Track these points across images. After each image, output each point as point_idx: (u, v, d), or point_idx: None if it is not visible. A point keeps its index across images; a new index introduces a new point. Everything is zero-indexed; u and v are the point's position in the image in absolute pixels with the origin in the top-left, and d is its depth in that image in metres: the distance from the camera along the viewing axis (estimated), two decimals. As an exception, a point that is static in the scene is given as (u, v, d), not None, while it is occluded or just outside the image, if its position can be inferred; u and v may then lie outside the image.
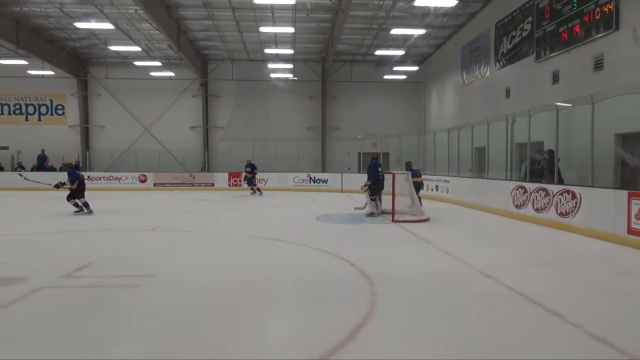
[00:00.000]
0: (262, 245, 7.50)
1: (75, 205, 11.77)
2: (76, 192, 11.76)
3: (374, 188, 11.30)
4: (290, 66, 23.21)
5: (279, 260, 6.41)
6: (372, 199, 11.29)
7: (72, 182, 11.61)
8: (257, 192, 18.21)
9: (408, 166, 12.99)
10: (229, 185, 21.15)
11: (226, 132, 23.83)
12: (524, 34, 13.64)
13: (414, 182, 11.36)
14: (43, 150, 22.68)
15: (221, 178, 21.58)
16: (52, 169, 22.31)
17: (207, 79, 23.52)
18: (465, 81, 18.34)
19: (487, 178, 12.90)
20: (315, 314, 4.11)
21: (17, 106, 23.49)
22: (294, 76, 23.74)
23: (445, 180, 15.15)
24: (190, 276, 5.46)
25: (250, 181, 18.28)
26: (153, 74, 22.89)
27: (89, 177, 21.33)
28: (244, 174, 19.02)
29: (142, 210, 13.09)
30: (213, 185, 21.50)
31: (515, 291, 4.72)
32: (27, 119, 23.57)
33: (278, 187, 20.62)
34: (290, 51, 21.12)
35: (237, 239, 8.14)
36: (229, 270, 5.81)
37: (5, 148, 23.24)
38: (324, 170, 22.81)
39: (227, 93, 23.80)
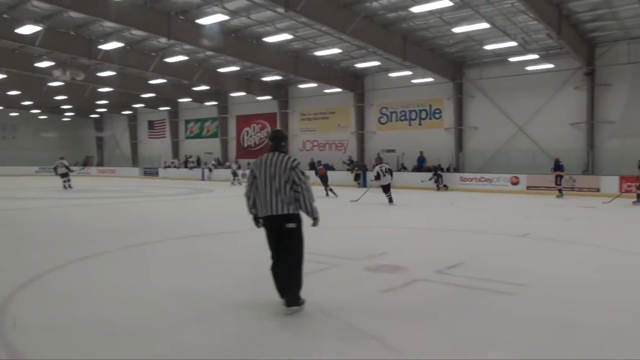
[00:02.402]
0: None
1: None
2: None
3: None
4: None
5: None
6: None
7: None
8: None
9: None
10: (620, 191, 18.38)
11: (617, 127, 20.80)
12: None
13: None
14: (421, 152, 25.82)
15: (609, 182, 19.02)
16: (428, 170, 25.13)
17: (593, 67, 21.18)
18: None
19: None
20: None
21: (403, 113, 27.61)
22: None
23: None
24: (564, 293, 5.08)
25: None
26: (529, 68, 22.39)
27: (461, 178, 22.91)
28: None
29: (513, 214, 13.06)
30: (598, 190, 19.22)
31: None
32: (409, 125, 27.38)
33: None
34: None
35: (624, 258, 7.02)
36: (613, 293, 5.08)
37: (392, 151, 27.71)
38: None
39: (620, 80, 20.72)
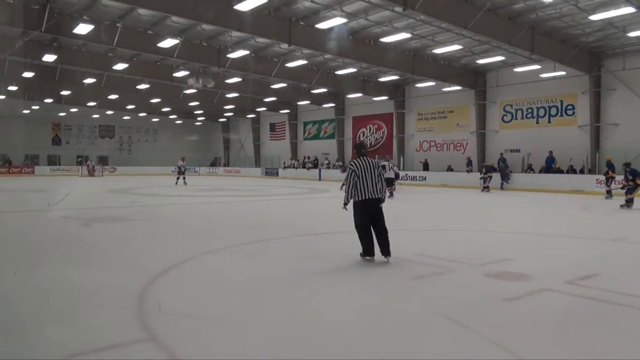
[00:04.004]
0: None
1: None
2: None
3: None
4: None
5: None
6: None
7: None
8: None
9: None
10: None
11: None
12: None
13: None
14: (551, 152, 23.85)
15: None
16: (559, 171, 23.16)
17: None
18: None
19: None
20: None
21: (529, 110, 25.75)
22: None
23: None
24: None
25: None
26: (684, 55, 19.63)
27: (597, 180, 20.85)
28: None
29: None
30: None
31: None
32: (537, 122, 25.45)
33: None
34: None
35: None
36: None
37: (517, 151, 26.00)
38: None
39: None
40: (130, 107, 39.23)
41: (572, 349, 3.59)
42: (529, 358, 3.38)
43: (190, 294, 5.01)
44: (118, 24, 18.75)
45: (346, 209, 6.53)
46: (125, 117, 45.37)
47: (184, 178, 25.94)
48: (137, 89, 30.58)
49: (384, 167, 17.69)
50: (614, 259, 7.07)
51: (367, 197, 6.32)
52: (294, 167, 38.17)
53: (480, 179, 22.75)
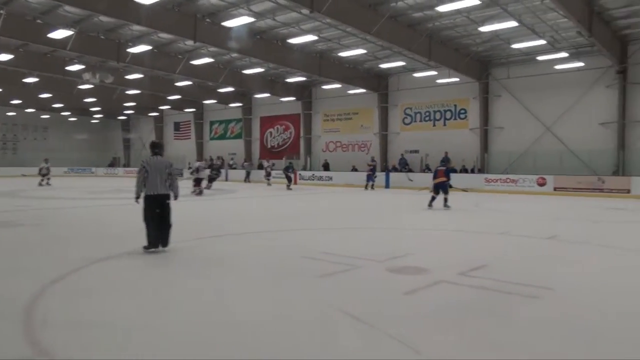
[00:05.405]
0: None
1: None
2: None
3: None
4: None
5: None
6: None
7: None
8: None
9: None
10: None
11: (651, 128, 20.24)
12: None
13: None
14: (446, 153, 25.49)
15: (641, 184, 18.54)
16: (453, 171, 24.80)
17: (626, 65, 20.63)
18: None
19: None
20: None
21: (427, 113, 27.37)
22: None
23: None
24: (592, 297, 5.00)
25: None
26: (558, 67, 21.97)
27: (485, 179, 22.68)
28: None
29: (539, 216, 12.84)
30: (629, 191, 18.73)
31: None
32: (434, 125, 27.12)
33: None
34: None
35: (661, 262, 6.83)
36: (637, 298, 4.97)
37: (416, 151, 27.51)
38: None
39: (654, 79, 20.15)
40: (15, 102, 35.75)
41: (465, 337, 3.88)
42: (428, 349, 3.60)
43: (86, 301, 4.69)
44: (1, 11, 17.01)
45: (137, 202, 7.03)
46: (10, 113, 41.22)
47: (48, 179, 25.20)
48: (24, 82, 27.92)
49: (197, 169, 19.95)
50: (500, 250, 7.74)
51: (154, 193, 6.91)
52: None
53: (368, 176, 23.95)
